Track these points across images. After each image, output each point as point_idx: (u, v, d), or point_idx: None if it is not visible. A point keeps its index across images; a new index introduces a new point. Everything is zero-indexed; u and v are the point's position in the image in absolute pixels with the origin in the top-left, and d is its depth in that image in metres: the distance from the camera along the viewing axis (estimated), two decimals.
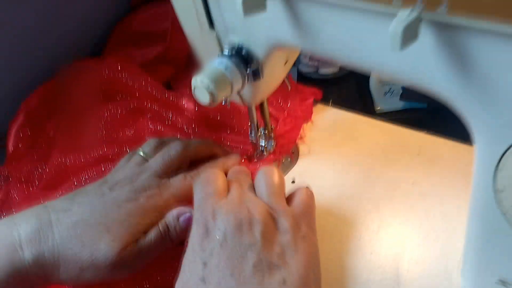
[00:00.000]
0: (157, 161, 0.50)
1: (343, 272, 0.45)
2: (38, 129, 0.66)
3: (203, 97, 0.42)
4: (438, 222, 0.47)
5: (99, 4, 0.82)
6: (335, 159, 0.57)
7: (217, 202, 0.41)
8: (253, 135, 0.58)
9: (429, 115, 0.66)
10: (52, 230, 0.42)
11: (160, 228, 0.45)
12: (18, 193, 0.57)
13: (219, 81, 0.41)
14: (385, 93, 0.70)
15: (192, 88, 0.42)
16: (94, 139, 0.62)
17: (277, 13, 0.36)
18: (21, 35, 0.69)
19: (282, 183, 0.45)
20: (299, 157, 0.60)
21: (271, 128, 0.58)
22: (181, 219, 0.45)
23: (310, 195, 0.44)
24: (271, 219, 0.40)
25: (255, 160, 0.59)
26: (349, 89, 0.74)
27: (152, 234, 0.44)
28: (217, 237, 0.38)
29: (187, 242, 0.41)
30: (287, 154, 0.60)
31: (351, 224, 0.48)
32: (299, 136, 0.62)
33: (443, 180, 0.51)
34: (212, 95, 0.41)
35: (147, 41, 0.82)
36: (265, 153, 0.59)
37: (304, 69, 0.77)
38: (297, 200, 0.43)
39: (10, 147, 0.64)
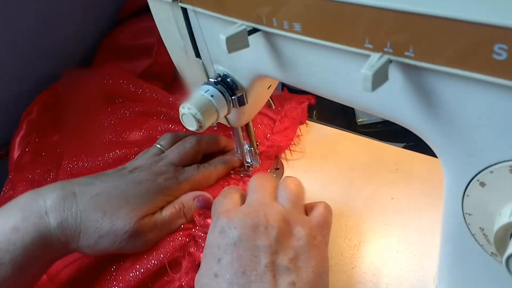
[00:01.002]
0: (173, 152, 0.55)
1: None
2: (42, 136, 0.69)
3: (191, 124, 0.44)
4: (416, 236, 0.50)
5: (86, 18, 0.83)
6: (318, 175, 0.60)
7: (235, 205, 0.45)
8: (239, 152, 0.60)
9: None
10: (76, 199, 0.46)
11: (176, 205, 0.51)
12: None
13: (206, 108, 0.43)
14: None
15: (180, 115, 0.44)
16: (101, 142, 0.65)
17: (259, 49, 0.38)
18: (10, 49, 0.71)
19: (303, 193, 0.47)
20: (284, 172, 0.62)
21: (257, 145, 0.60)
22: (196, 200, 0.52)
23: (329, 210, 0.46)
24: (288, 226, 0.41)
25: (241, 175, 0.61)
26: (332, 101, 0.76)
27: (168, 210, 0.50)
28: (232, 236, 0.40)
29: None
30: (274, 161, 0.62)
31: (334, 240, 0.51)
32: (295, 134, 0.65)
33: (421, 195, 0.54)
34: (199, 122, 0.43)
35: (133, 55, 0.83)
36: (250, 169, 0.61)
37: None
38: (317, 213, 0.45)
39: (15, 156, 0.66)
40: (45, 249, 0.43)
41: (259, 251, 0.39)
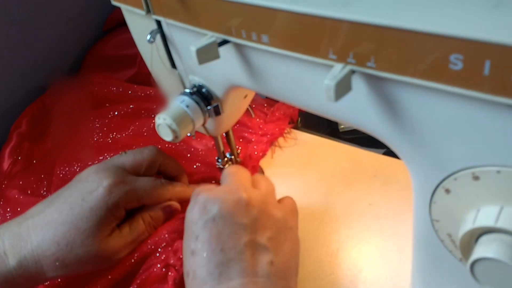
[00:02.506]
0: (129, 157, 0.51)
1: None
2: (33, 145, 0.70)
3: (166, 135, 0.44)
4: (392, 242, 0.50)
5: (73, 29, 0.83)
6: (299, 182, 0.60)
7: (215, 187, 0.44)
8: (220, 161, 0.60)
9: None
10: (29, 234, 0.44)
11: (144, 221, 0.50)
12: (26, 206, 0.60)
13: (181, 119, 0.44)
14: None
15: (156, 125, 0.45)
16: (91, 145, 0.66)
17: (230, 60, 0.38)
18: None
19: (274, 187, 0.47)
20: None
21: (237, 154, 0.60)
22: (163, 210, 0.51)
23: (294, 201, 0.47)
24: (266, 207, 0.42)
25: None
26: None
27: (137, 228, 0.49)
28: (212, 212, 0.40)
29: None
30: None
31: (312, 247, 0.51)
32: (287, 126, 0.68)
33: (398, 201, 0.54)
34: (174, 132, 0.44)
35: (118, 65, 0.84)
36: None
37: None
38: (286, 202, 0.46)
39: (5, 167, 0.67)
40: (7, 285, 0.43)
41: (239, 228, 0.39)
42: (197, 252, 0.38)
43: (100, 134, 0.67)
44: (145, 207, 0.51)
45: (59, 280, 0.50)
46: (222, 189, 0.42)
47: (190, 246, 0.39)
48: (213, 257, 0.38)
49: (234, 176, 0.45)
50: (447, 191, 0.32)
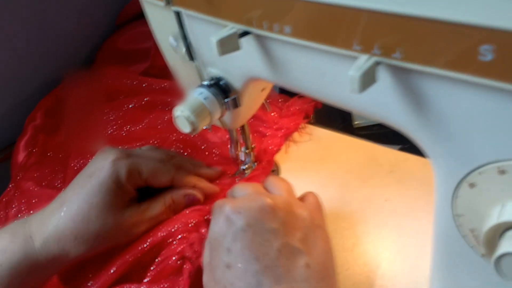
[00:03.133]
0: (148, 164, 0.51)
1: None
2: (48, 138, 0.71)
3: (184, 127, 0.44)
4: (410, 238, 0.50)
5: (86, 23, 0.84)
6: (314, 177, 0.60)
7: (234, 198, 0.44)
8: (234, 155, 0.60)
9: None
10: (50, 216, 0.47)
11: (166, 202, 0.52)
12: (41, 198, 0.61)
13: (199, 111, 0.44)
14: None
15: (174, 118, 0.45)
16: (105, 137, 0.67)
17: (250, 51, 0.38)
18: (9, 54, 0.71)
19: (291, 186, 0.46)
20: (280, 174, 0.62)
21: (252, 148, 0.60)
22: (187, 197, 0.53)
23: (318, 196, 0.46)
24: (291, 208, 0.41)
25: (237, 179, 0.61)
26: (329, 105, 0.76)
27: (157, 207, 0.51)
28: (239, 222, 0.39)
29: None
30: (270, 168, 0.62)
31: None
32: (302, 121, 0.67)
33: (415, 197, 0.54)
34: (193, 124, 0.44)
35: (131, 59, 0.84)
36: (246, 172, 0.61)
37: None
38: (309, 200, 0.45)
39: (20, 159, 0.68)
40: (31, 270, 0.45)
41: (269, 234, 0.39)
42: (232, 265, 0.38)
43: (115, 127, 0.67)
44: (169, 190, 0.53)
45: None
46: (243, 199, 0.42)
47: (223, 259, 0.39)
48: (249, 267, 0.37)
49: (250, 187, 0.45)
50: (471, 185, 0.31)
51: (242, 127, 0.57)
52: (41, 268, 0.46)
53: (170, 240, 0.49)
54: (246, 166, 0.61)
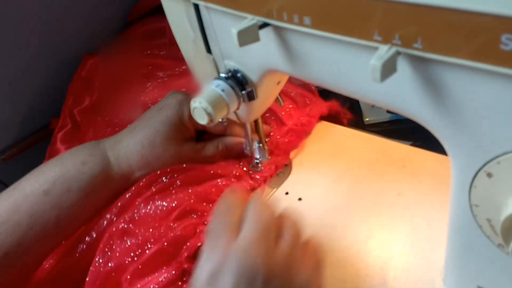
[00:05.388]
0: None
1: (333, 281, 0.47)
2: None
3: (202, 118, 0.45)
4: (423, 231, 0.50)
5: (98, 18, 0.84)
6: (326, 172, 0.60)
7: (231, 242, 0.37)
8: (248, 149, 0.60)
9: (414, 125, 0.70)
10: (123, 138, 0.56)
11: (220, 146, 0.60)
12: None
13: (216, 103, 0.44)
14: (373, 106, 0.73)
15: (191, 109, 0.45)
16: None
17: (269, 43, 0.39)
18: (21, 51, 0.73)
19: (299, 234, 0.40)
20: (292, 169, 0.63)
21: (265, 142, 0.61)
22: (240, 146, 0.61)
23: (319, 246, 0.41)
24: (290, 271, 0.37)
25: (251, 172, 0.61)
26: (339, 101, 0.76)
27: (211, 149, 0.59)
28: (224, 286, 0.34)
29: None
30: (284, 163, 0.63)
31: (342, 236, 0.51)
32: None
33: (427, 191, 0.54)
34: (210, 116, 0.44)
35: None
36: (260, 165, 0.62)
37: (296, 81, 0.80)
38: (311, 255, 0.40)
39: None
40: (107, 180, 0.53)
41: None
42: None
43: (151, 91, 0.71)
44: (222, 137, 0.61)
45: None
46: (237, 253, 0.35)
47: None
48: None
49: (257, 225, 0.38)
50: (489, 175, 0.32)
51: (256, 121, 0.57)
52: (113, 182, 0.53)
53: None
54: (259, 160, 0.61)
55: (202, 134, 0.61)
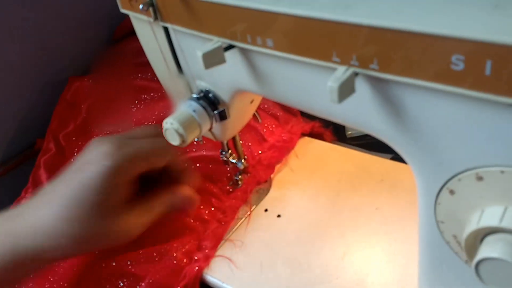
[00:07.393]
0: (146, 143, 0.49)
1: None
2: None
3: (173, 139, 0.45)
4: (399, 246, 0.50)
5: (82, 36, 0.85)
6: (305, 188, 0.60)
7: None
8: (223, 153, 0.60)
9: None
10: (40, 210, 0.44)
11: (165, 203, 0.49)
12: None
13: (188, 123, 0.44)
14: None
15: (163, 130, 0.45)
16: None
17: (236, 64, 0.39)
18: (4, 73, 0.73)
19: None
20: (272, 186, 0.63)
21: (244, 159, 0.61)
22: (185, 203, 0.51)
23: None
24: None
25: (230, 190, 0.61)
26: (322, 122, 0.77)
27: (156, 207, 0.49)
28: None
29: None
30: (262, 182, 0.63)
31: (319, 251, 0.51)
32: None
33: (405, 205, 0.54)
34: (182, 136, 0.44)
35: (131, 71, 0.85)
36: (239, 183, 0.62)
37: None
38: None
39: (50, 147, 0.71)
40: (17, 264, 0.43)
41: None
42: None
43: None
44: (167, 190, 0.50)
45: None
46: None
47: None
48: None
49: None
50: (452, 192, 0.32)
51: (234, 139, 0.57)
52: (28, 261, 0.43)
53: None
54: (239, 177, 0.61)
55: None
